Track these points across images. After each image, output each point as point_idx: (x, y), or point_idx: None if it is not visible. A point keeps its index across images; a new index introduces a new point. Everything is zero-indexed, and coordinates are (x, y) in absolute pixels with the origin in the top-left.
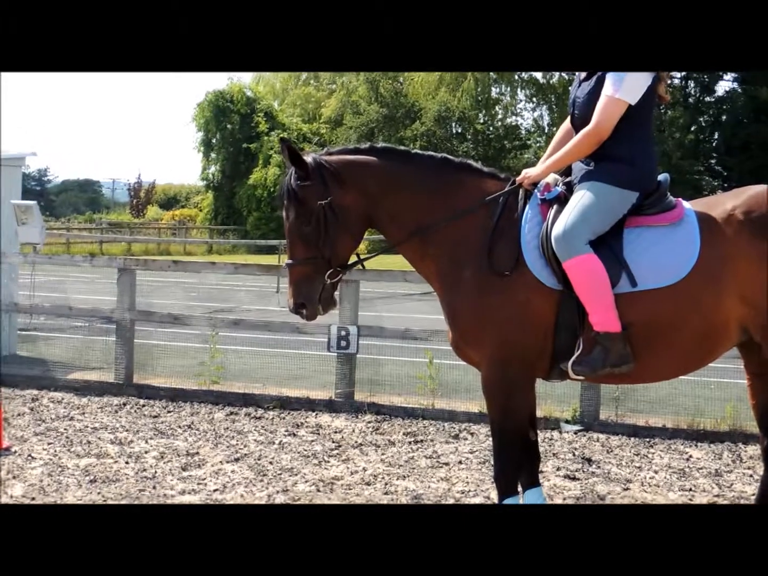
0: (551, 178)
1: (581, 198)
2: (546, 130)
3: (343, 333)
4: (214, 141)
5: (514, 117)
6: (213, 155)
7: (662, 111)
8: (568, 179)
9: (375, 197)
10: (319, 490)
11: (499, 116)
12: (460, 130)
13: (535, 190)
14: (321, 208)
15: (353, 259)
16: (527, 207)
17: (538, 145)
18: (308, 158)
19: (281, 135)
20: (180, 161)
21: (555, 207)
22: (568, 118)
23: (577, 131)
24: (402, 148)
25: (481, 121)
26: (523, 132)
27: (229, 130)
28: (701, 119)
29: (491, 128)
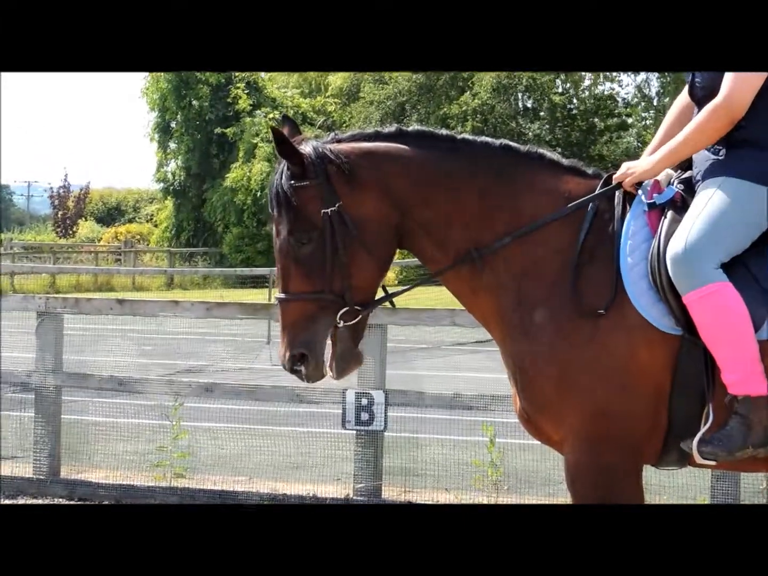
0: (663, 174)
1: (708, 201)
2: (654, 102)
3: (364, 401)
4: (173, 125)
5: (607, 84)
6: (172, 145)
7: None
8: (686, 174)
9: (406, 204)
10: None
11: (586, 83)
12: (529, 104)
13: (640, 192)
14: (327, 220)
15: (378, 293)
16: (629, 216)
17: (642, 123)
18: (307, 147)
19: (272, 114)
20: (125, 155)
21: (669, 215)
22: (686, 89)
23: (699, 107)
24: (444, 131)
25: (560, 90)
26: (621, 105)
27: (196, 109)
28: None
29: (574, 101)
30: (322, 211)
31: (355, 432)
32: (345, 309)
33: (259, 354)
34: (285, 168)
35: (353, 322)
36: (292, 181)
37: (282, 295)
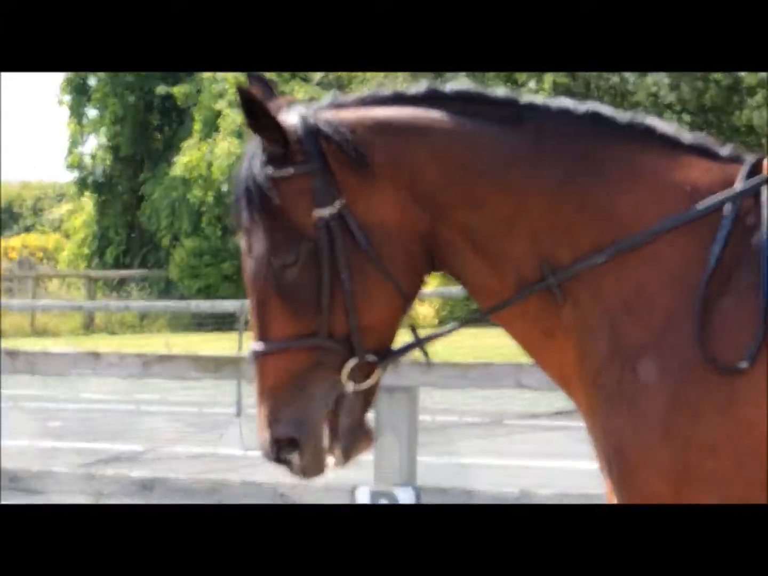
0: None
1: None
2: None
3: (383, 502)
4: (94, 82)
5: None
6: (92, 113)
7: None
8: None
9: (442, 204)
10: None
11: None
12: None
13: None
14: (323, 227)
15: (402, 337)
16: None
17: None
18: (292, 117)
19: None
20: (19, 131)
21: None
22: None
23: None
24: (501, 92)
25: None
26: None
27: None
28: None
29: None
30: (317, 215)
31: None
32: (353, 362)
33: (223, 433)
34: (259, 150)
35: (369, 383)
36: (271, 170)
37: (258, 346)
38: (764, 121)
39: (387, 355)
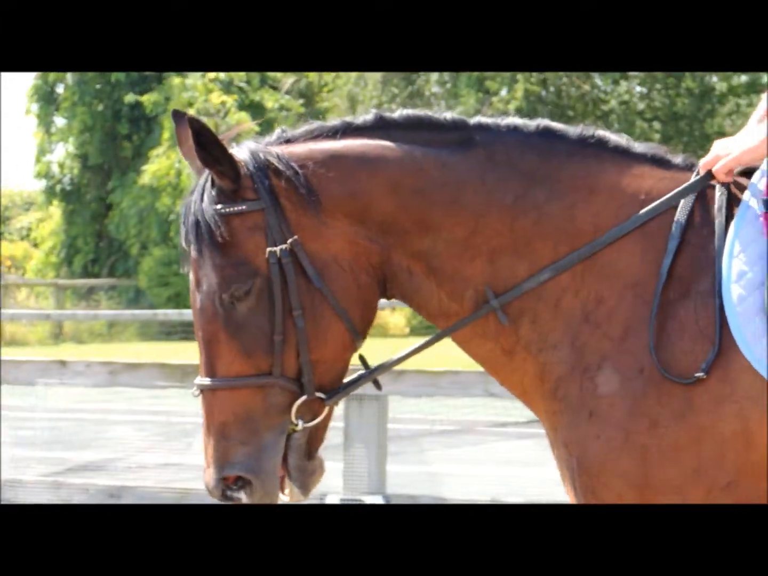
0: None
1: None
2: None
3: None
4: (61, 89)
5: None
6: (60, 121)
7: None
8: None
9: (395, 231)
10: None
11: None
12: None
13: (749, 187)
14: (275, 263)
15: (351, 372)
16: (734, 224)
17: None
18: (242, 152)
19: (213, 75)
20: None
21: None
22: None
23: None
24: (449, 115)
25: None
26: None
27: None
28: None
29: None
30: (268, 250)
31: None
32: (301, 400)
33: (192, 442)
34: (208, 183)
35: (317, 420)
36: (220, 206)
37: (205, 381)
38: (735, 129)
39: (335, 391)
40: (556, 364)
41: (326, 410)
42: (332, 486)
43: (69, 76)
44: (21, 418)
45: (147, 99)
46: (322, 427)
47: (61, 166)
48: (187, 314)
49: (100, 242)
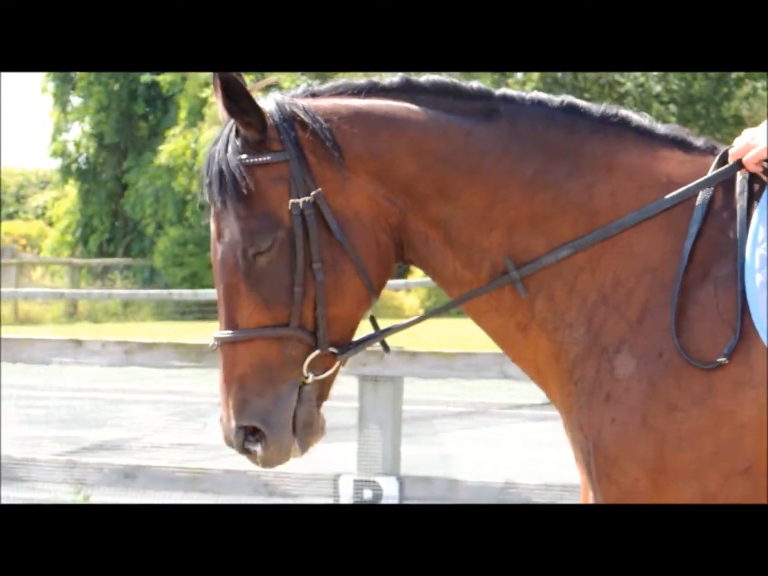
0: None
1: None
2: None
3: (367, 494)
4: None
5: None
6: (76, 101)
7: None
8: None
9: (414, 195)
10: None
11: None
12: None
13: None
14: (298, 216)
15: (363, 328)
16: (758, 211)
17: None
18: (268, 104)
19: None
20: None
21: None
22: None
23: None
24: (476, 84)
25: None
26: None
27: None
28: None
29: None
30: (291, 201)
31: None
32: (316, 352)
33: (207, 422)
34: (233, 134)
35: (328, 374)
36: (245, 156)
37: (225, 333)
38: (752, 112)
39: (347, 347)
40: (572, 344)
41: (336, 365)
42: (347, 467)
43: None
44: (35, 397)
45: (163, 79)
46: (329, 383)
47: (77, 145)
48: (202, 294)
49: (115, 222)
